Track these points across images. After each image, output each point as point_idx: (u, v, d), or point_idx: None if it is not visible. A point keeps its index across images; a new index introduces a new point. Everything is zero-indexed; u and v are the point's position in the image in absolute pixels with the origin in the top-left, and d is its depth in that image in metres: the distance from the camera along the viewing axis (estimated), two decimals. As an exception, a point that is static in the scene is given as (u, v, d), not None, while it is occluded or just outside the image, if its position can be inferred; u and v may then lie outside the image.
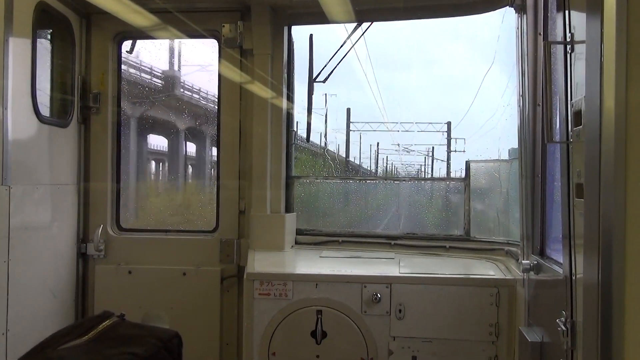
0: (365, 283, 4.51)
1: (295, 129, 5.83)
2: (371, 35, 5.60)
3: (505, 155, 5.32)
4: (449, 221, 5.79)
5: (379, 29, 5.61)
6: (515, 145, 4.58)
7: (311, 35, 5.73)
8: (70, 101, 5.41)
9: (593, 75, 2.20)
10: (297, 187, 5.81)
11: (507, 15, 5.03)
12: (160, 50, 6.03)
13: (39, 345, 3.31)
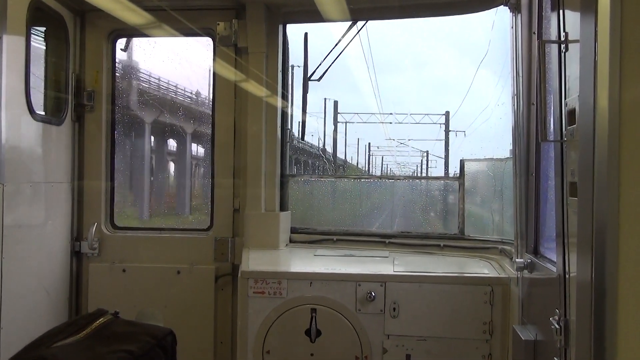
0: (359, 281, 4.51)
1: (290, 128, 5.83)
2: (365, 37, 5.63)
3: (499, 155, 5.33)
4: (443, 220, 5.80)
5: (372, 30, 5.64)
6: (506, 144, 4.62)
7: (306, 34, 5.74)
8: (64, 99, 5.40)
9: (587, 74, 2.21)
10: (292, 186, 5.81)
11: (499, 15, 5.07)
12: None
13: (33, 342, 3.31)
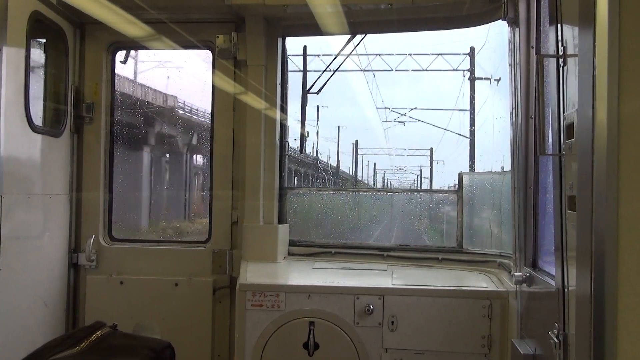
0: (357, 294, 4.50)
1: (288, 140, 5.84)
2: (363, 49, 5.66)
3: (497, 168, 5.35)
4: (442, 233, 5.79)
5: (369, 43, 5.67)
6: (498, 158, 4.66)
7: (305, 47, 5.76)
8: (64, 111, 5.40)
9: (585, 88, 2.22)
10: (290, 198, 5.80)
11: (495, 29, 5.11)
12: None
13: (31, 355, 3.30)
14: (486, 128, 5.68)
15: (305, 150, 6.12)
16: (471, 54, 13.84)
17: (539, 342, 3.41)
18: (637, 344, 2.06)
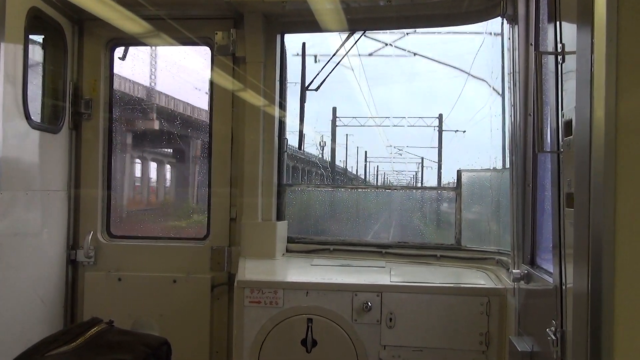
0: (356, 291, 4.50)
1: (287, 137, 5.83)
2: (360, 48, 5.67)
3: (497, 165, 5.35)
4: (440, 230, 5.79)
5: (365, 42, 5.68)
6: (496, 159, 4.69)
7: (304, 44, 5.74)
8: (62, 107, 5.39)
9: (583, 85, 2.22)
10: (289, 195, 5.80)
11: (493, 27, 5.10)
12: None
13: (27, 351, 3.30)
14: (483, 125, 5.67)
15: (323, 155, 6.25)
16: (439, 117, 25.99)
17: (536, 339, 3.42)
18: (634, 340, 2.06)
